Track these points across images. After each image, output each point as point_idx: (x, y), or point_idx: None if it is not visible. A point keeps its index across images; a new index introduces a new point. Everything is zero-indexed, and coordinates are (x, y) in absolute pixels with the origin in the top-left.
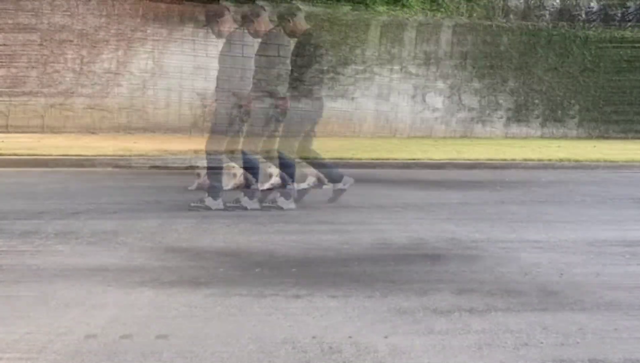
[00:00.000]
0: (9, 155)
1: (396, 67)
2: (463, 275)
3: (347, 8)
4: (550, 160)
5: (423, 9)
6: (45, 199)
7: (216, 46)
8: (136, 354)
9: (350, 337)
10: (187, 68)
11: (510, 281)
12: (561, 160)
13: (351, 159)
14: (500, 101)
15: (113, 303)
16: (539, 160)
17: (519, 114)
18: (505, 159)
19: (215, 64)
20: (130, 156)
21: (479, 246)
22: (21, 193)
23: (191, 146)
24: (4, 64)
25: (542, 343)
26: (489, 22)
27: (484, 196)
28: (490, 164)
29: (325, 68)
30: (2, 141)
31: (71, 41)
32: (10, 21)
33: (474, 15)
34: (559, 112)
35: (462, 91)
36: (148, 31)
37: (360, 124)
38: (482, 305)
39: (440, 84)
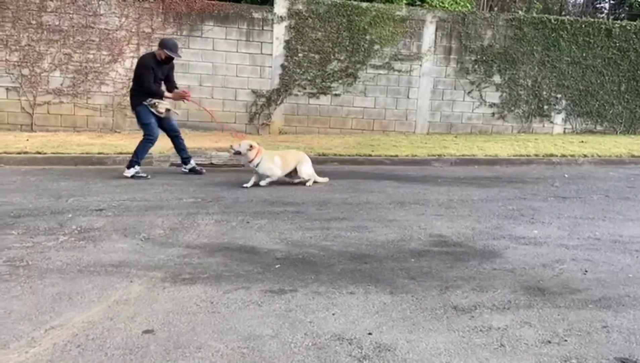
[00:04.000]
0: (34, 153)
1: (415, 63)
2: (484, 272)
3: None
4: (573, 156)
5: (442, 3)
6: (69, 196)
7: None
8: (159, 349)
9: (370, 334)
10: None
11: (533, 279)
12: (585, 156)
13: (370, 155)
14: (522, 96)
15: (135, 299)
16: (562, 156)
17: (541, 110)
18: (528, 155)
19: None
20: (150, 154)
21: (500, 243)
22: (45, 190)
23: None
24: (28, 63)
25: (565, 340)
26: (510, 15)
27: (505, 192)
28: (510, 161)
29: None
30: (27, 140)
31: (93, 41)
32: (33, 21)
33: (495, 8)
34: (582, 106)
35: (482, 87)
36: (168, 30)
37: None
38: (504, 302)
39: (461, 80)
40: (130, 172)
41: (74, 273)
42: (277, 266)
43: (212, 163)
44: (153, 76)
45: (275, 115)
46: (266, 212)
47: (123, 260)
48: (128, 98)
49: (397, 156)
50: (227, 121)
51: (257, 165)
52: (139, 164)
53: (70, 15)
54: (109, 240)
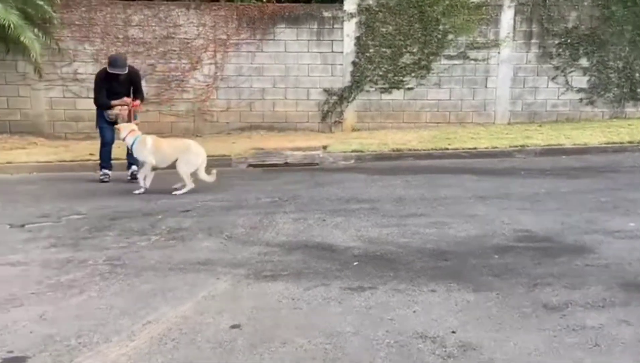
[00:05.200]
0: (123, 159)
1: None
2: (575, 268)
3: None
4: None
5: None
6: (157, 198)
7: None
8: (246, 343)
9: (453, 332)
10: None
11: (630, 274)
12: None
13: (447, 149)
14: (612, 79)
15: (221, 295)
16: None
17: (634, 93)
18: (622, 142)
19: None
20: (229, 155)
21: (593, 237)
22: (136, 193)
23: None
24: None
25: None
26: None
27: (596, 183)
28: (601, 149)
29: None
30: (118, 147)
31: (174, 51)
32: (120, 35)
33: None
34: None
35: (568, 72)
36: (242, 35)
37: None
38: (598, 300)
39: (544, 66)
40: (100, 175)
41: (165, 270)
42: (355, 264)
43: (287, 163)
44: (104, 90)
45: (347, 112)
46: (342, 210)
47: (209, 258)
48: (207, 103)
49: (475, 148)
50: (300, 120)
51: (132, 146)
52: (105, 168)
53: (153, 28)
54: (195, 239)
